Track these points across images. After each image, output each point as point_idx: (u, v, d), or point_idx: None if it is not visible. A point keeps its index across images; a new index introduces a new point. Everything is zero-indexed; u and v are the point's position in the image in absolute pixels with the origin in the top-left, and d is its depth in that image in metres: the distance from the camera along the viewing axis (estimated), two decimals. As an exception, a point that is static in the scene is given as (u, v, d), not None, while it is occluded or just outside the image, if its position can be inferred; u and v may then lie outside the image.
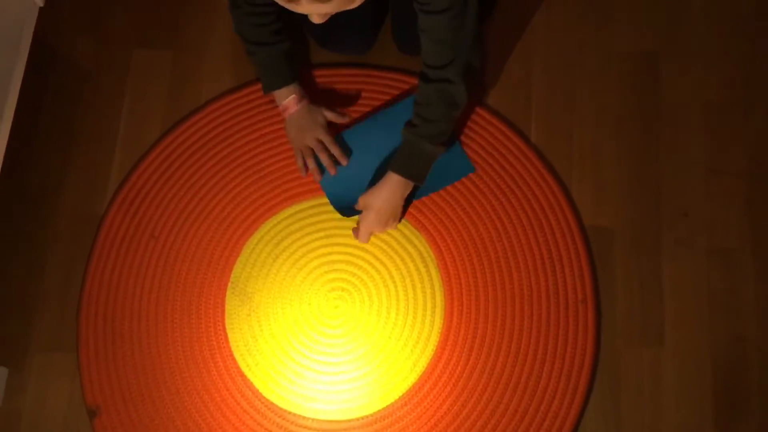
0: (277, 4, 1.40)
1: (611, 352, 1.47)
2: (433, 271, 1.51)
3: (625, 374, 1.46)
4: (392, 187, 1.45)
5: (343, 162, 1.53)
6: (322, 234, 1.54)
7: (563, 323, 1.47)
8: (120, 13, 1.70)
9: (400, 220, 1.52)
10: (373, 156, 1.55)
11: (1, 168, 1.46)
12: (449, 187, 1.55)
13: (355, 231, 1.51)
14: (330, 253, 1.53)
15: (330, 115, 1.55)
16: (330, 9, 1.07)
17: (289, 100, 1.51)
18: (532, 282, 1.50)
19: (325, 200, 1.55)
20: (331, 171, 1.53)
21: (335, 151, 1.53)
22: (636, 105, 1.60)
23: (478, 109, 1.59)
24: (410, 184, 1.46)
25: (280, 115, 1.56)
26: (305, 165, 1.54)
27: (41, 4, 1.51)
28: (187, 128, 1.61)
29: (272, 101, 1.59)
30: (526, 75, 1.63)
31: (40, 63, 1.59)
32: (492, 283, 1.50)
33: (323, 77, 1.63)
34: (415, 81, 1.57)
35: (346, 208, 1.53)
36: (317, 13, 1.11)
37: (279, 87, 1.51)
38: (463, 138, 1.57)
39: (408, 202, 1.51)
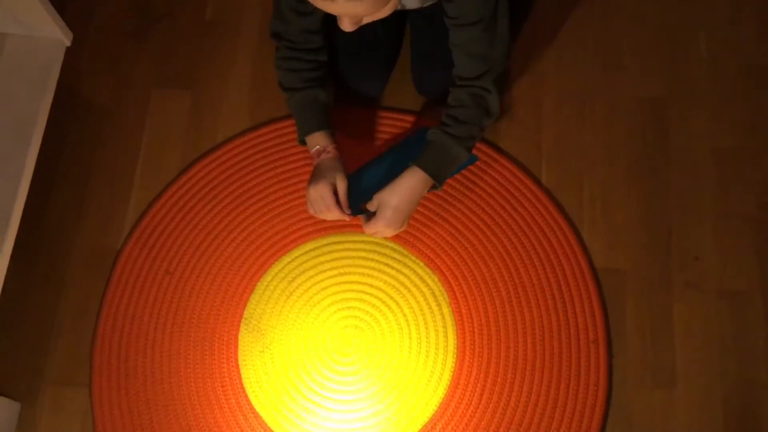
0: (316, 53, 1.45)
1: (623, 394, 1.47)
2: (446, 310, 1.52)
3: (637, 416, 1.46)
4: (413, 183, 1.41)
5: (345, 209, 1.47)
6: (335, 272, 1.55)
7: (575, 364, 1.48)
8: (139, 54, 1.74)
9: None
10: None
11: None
12: (462, 228, 1.57)
13: (366, 226, 1.46)
14: (343, 291, 1.54)
15: (342, 189, 1.46)
16: (364, 10, 1.08)
17: (318, 148, 1.47)
18: (544, 322, 1.51)
19: (338, 238, 1.57)
20: (344, 215, 1.47)
21: (344, 202, 1.46)
22: (644, 150, 1.63)
23: (490, 151, 1.62)
24: (429, 184, 1.43)
25: (309, 160, 1.54)
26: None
27: (68, 44, 1.54)
28: (204, 167, 1.64)
29: (287, 142, 1.62)
30: (536, 119, 1.66)
31: (60, 102, 1.62)
32: (504, 323, 1.51)
33: (339, 118, 1.65)
34: (429, 123, 1.61)
35: (354, 206, 1.49)
36: (350, 15, 1.12)
37: (312, 131, 1.47)
38: (474, 179, 1.60)
39: None
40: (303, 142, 1.50)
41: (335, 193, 1.45)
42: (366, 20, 1.17)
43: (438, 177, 1.43)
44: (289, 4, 1.39)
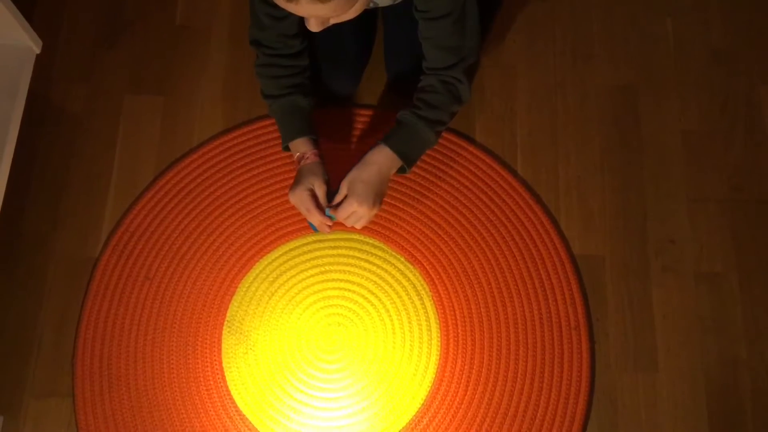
0: (295, 58, 1.44)
1: (607, 378, 1.49)
2: (428, 304, 1.53)
3: (622, 400, 1.48)
4: (381, 160, 1.40)
5: (324, 204, 1.44)
6: (316, 270, 1.55)
7: (558, 351, 1.49)
8: (110, 61, 1.72)
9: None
10: None
11: (-1, 214, 1.47)
12: (441, 222, 1.57)
13: (340, 209, 1.41)
14: (325, 289, 1.54)
15: (320, 192, 1.43)
16: (329, 11, 1.08)
17: (299, 154, 1.46)
18: (526, 311, 1.52)
19: (319, 237, 1.57)
20: (325, 230, 1.44)
21: (323, 201, 1.43)
22: (617, 138, 1.65)
23: (466, 145, 1.63)
24: (396, 164, 1.41)
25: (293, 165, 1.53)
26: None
27: (38, 51, 1.53)
28: (180, 171, 1.63)
29: (263, 143, 1.63)
30: (510, 112, 1.68)
31: (33, 110, 1.61)
32: (486, 314, 1.52)
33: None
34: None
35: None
36: (316, 17, 1.12)
37: (294, 138, 1.46)
38: (451, 172, 1.61)
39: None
40: (287, 149, 1.49)
41: (315, 197, 1.43)
42: (333, 21, 1.17)
43: (406, 157, 1.41)
44: (263, 10, 1.39)
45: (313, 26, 1.17)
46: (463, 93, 1.41)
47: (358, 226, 1.43)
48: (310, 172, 1.44)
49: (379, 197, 1.41)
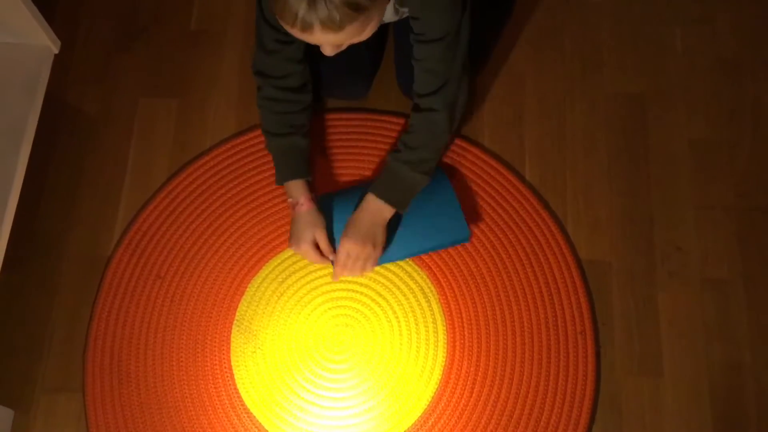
0: (299, 92, 1.47)
1: (611, 383, 1.49)
2: (435, 307, 1.54)
3: (626, 404, 1.48)
4: (371, 209, 1.45)
5: (329, 256, 1.50)
6: (325, 271, 1.57)
7: (563, 355, 1.50)
8: (126, 63, 1.76)
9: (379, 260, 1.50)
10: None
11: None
12: (448, 225, 1.59)
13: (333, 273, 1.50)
14: (333, 290, 1.56)
15: (323, 242, 1.49)
16: (342, 39, 1.12)
17: (292, 200, 1.50)
18: (532, 315, 1.53)
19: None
20: (326, 260, 1.51)
21: (327, 252, 1.49)
22: (624, 145, 1.67)
23: (474, 150, 1.65)
24: (389, 209, 1.45)
25: (288, 210, 1.56)
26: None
27: (56, 51, 1.56)
28: (192, 172, 1.66)
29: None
30: (518, 117, 1.69)
31: (49, 110, 1.64)
32: (492, 317, 1.53)
33: (324, 121, 1.68)
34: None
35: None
36: (329, 44, 1.16)
37: (289, 179, 1.50)
38: (460, 177, 1.62)
39: (389, 241, 1.50)
40: (280, 182, 1.52)
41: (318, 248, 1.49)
42: (346, 45, 1.19)
43: (396, 203, 1.45)
44: (271, 36, 1.40)
45: (328, 51, 1.20)
46: (440, 124, 1.42)
47: (357, 272, 1.48)
48: (309, 224, 1.49)
49: (371, 239, 1.45)
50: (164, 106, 1.72)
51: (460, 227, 1.55)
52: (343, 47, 1.20)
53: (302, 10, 1.06)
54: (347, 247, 1.45)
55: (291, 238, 1.50)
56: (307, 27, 1.08)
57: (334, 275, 1.49)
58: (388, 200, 1.44)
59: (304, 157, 1.52)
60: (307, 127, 1.53)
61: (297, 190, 1.49)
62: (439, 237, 1.54)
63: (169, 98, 1.73)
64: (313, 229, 1.48)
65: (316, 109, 1.60)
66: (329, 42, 1.14)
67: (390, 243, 1.51)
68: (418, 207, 1.52)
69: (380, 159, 1.64)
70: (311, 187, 1.52)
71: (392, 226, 1.51)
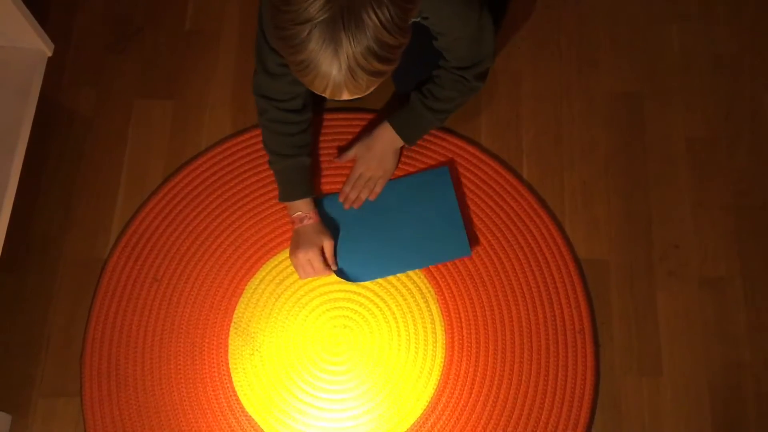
0: (302, 113, 1.49)
1: (611, 382, 1.49)
2: (434, 307, 1.54)
3: (626, 403, 1.48)
4: (384, 137, 1.56)
5: (333, 266, 1.55)
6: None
7: (562, 354, 1.50)
8: (120, 65, 1.74)
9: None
10: (374, 221, 1.59)
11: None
12: (446, 225, 1.59)
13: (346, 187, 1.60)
14: (331, 291, 1.56)
15: (329, 251, 1.54)
16: (366, 94, 1.13)
17: (299, 215, 1.52)
18: (530, 315, 1.53)
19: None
20: (328, 272, 1.55)
21: (331, 261, 1.54)
22: (622, 143, 1.66)
23: (472, 149, 1.64)
24: (399, 141, 1.57)
25: (290, 225, 1.58)
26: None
27: (50, 54, 1.55)
28: (188, 174, 1.65)
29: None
30: (515, 117, 1.69)
31: (43, 114, 1.63)
32: (491, 317, 1.53)
33: (320, 122, 1.68)
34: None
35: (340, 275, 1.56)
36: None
37: (297, 198, 1.52)
38: (459, 177, 1.62)
39: (390, 255, 1.56)
40: (286, 201, 1.55)
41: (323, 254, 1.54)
42: None
43: (407, 138, 1.57)
44: (275, 60, 1.39)
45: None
46: (473, 90, 1.49)
47: (365, 192, 1.59)
48: (317, 232, 1.53)
49: (383, 165, 1.58)
50: (159, 108, 1.71)
51: (461, 246, 1.56)
52: None
53: (331, 86, 1.05)
54: (361, 169, 1.58)
55: (297, 247, 1.52)
56: (335, 95, 1.08)
57: (342, 195, 1.60)
58: (404, 135, 1.56)
59: (308, 176, 1.55)
60: (310, 146, 1.56)
61: (304, 206, 1.53)
62: (439, 255, 1.56)
63: (164, 99, 1.72)
64: (321, 237, 1.53)
65: (315, 110, 1.59)
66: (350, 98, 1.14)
67: (391, 258, 1.55)
68: (422, 224, 1.57)
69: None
70: (315, 205, 1.55)
71: (395, 242, 1.56)
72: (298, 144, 1.52)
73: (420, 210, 1.58)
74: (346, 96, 1.09)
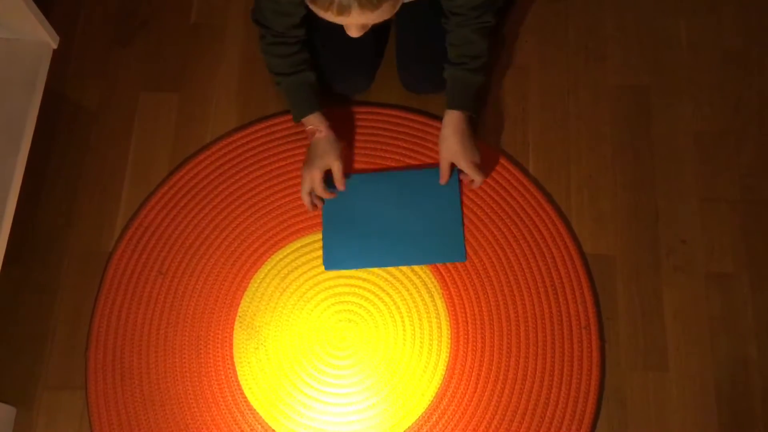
0: (301, 29, 1.48)
1: (616, 378, 1.49)
2: (439, 302, 1.53)
3: (631, 399, 1.47)
4: (456, 128, 1.52)
5: (340, 187, 1.56)
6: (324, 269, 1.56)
7: (568, 350, 1.49)
8: (126, 58, 1.74)
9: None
10: (377, 209, 1.59)
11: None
12: (452, 219, 1.59)
13: (465, 177, 1.57)
14: (336, 285, 1.55)
15: (337, 171, 1.54)
16: (377, 17, 1.12)
17: (311, 128, 1.54)
18: (536, 310, 1.52)
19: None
20: (330, 194, 1.57)
21: (339, 181, 1.55)
22: (629, 137, 1.65)
23: (478, 144, 1.63)
24: (467, 118, 1.53)
25: (306, 140, 1.60)
26: (312, 201, 1.58)
27: (55, 46, 1.55)
28: (193, 167, 1.65)
29: (276, 140, 1.64)
30: (522, 111, 1.68)
31: (48, 107, 1.63)
32: (497, 312, 1.52)
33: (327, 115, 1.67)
34: (417, 118, 1.64)
35: (332, 259, 1.56)
36: (359, 25, 1.16)
37: (306, 114, 1.54)
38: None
39: (389, 247, 1.56)
40: (298, 120, 1.56)
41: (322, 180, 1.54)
42: (371, 25, 1.19)
43: (472, 108, 1.54)
44: (269, 7, 1.41)
45: (354, 32, 1.20)
46: (490, 23, 1.49)
47: (481, 176, 1.55)
48: (327, 150, 1.53)
49: (472, 147, 1.54)
50: (165, 101, 1.71)
51: (458, 251, 1.56)
52: (368, 28, 1.19)
53: (337, 2, 1.05)
54: (478, 177, 1.54)
55: (306, 163, 1.55)
56: (343, 10, 1.08)
57: (311, 206, 1.58)
58: (468, 107, 1.53)
59: (315, 91, 1.56)
60: (310, 61, 1.56)
61: (315, 119, 1.54)
62: (435, 256, 1.56)
63: (169, 92, 1.72)
64: (330, 158, 1.53)
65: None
66: (364, 21, 1.12)
67: (390, 251, 1.56)
68: (425, 221, 1.57)
69: (383, 151, 1.63)
70: (327, 119, 1.55)
71: (396, 234, 1.56)
72: (299, 61, 1.53)
73: (425, 206, 1.57)
74: (356, 13, 1.07)
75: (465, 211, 1.58)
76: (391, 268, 1.55)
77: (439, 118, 1.57)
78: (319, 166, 1.53)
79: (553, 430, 1.45)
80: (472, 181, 1.55)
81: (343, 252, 1.56)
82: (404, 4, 1.52)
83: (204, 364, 1.51)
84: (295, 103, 1.55)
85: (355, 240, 1.56)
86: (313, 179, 1.53)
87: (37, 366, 1.52)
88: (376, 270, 1.55)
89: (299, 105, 1.54)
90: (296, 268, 1.56)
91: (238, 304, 1.55)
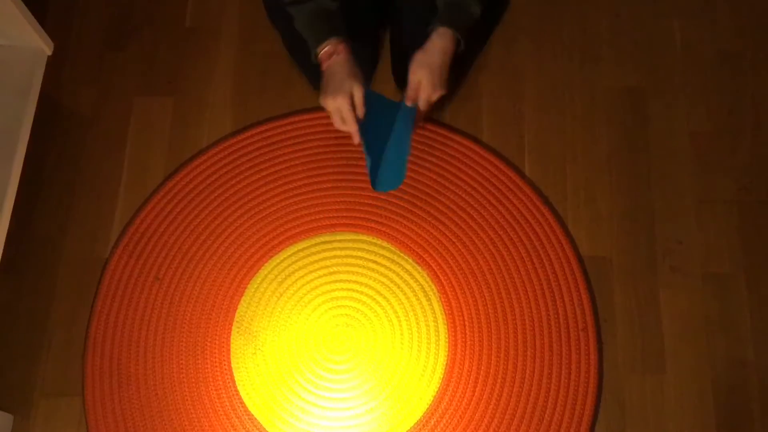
0: None
1: (614, 380, 1.49)
2: (436, 305, 1.53)
3: (629, 401, 1.47)
4: (444, 46, 1.44)
5: (360, 114, 1.42)
6: (325, 271, 1.56)
7: (565, 352, 1.49)
8: (120, 63, 1.74)
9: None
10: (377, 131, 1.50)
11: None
12: (449, 223, 1.58)
13: (409, 91, 1.45)
14: (333, 290, 1.55)
15: (358, 97, 1.41)
16: None
17: (328, 49, 1.43)
18: (533, 312, 1.52)
19: (327, 238, 1.58)
20: (355, 138, 1.44)
21: (360, 108, 1.42)
22: (625, 139, 1.65)
23: (473, 146, 1.63)
24: (454, 45, 1.45)
25: (323, 66, 1.47)
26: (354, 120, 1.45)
27: (49, 52, 1.55)
28: (189, 172, 1.64)
29: (272, 144, 1.64)
30: (518, 113, 1.68)
31: (43, 113, 1.62)
32: (494, 315, 1.52)
33: (323, 119, 1.67)
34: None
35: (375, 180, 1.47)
36: None
37: (320, 42, 1.43)
38: (459, 173, 1.61)
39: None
40: (317, 56, 1.46)
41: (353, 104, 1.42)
42: None
43: (464, 35, 1.46)
44: None
45: None
46: None
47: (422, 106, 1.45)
48: (346, 75, 1.41)
49: (442, 82, 1.44)
50: (160, 105, 1.71)
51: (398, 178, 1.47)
52: None
53: None
54: (428, 92, 1.43)
55: (326, 92, 1.42)
56: None
57: (407, 99, 1.46)
58: (457, 25, 1.44)
59: (337, 17, 1.47)
60: None
61: (333, 40, 1.43)
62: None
63: (164, 97, 1.71)
64: (351, 81, 1.41)
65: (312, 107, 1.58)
66: None
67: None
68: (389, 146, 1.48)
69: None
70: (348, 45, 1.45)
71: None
72: None
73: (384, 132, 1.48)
74: None
75: (461, 214, 1.58)
76: (388, 272, 1.55)
77: (434, 120, 1.57)
78: (344, 91, 1.40)
79: (552, 433, 1.45)
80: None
81: (387, 173, 1.47)
82: (400, 2, 1.52)
83: (201, 370, 1.50)
84: (313, 31, 1.45)
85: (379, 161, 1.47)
86: (341, 108, 1.40)
87: (34, 373, 1.51)
88: (372, 273, 1.55)
89: (318, 31, 1.44)
90: (293, 273, 1.56)
91: (235, 309, 1.54)
